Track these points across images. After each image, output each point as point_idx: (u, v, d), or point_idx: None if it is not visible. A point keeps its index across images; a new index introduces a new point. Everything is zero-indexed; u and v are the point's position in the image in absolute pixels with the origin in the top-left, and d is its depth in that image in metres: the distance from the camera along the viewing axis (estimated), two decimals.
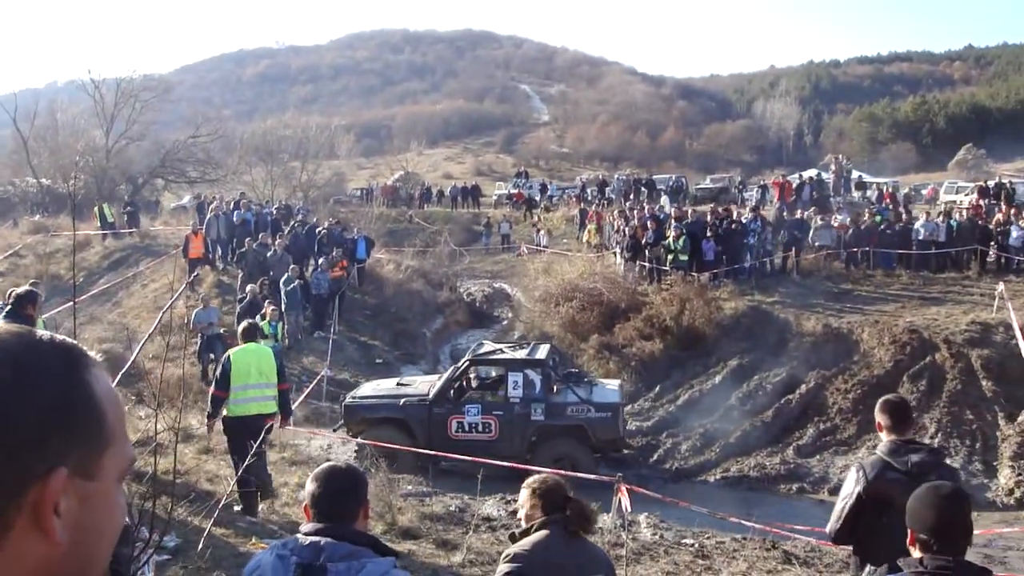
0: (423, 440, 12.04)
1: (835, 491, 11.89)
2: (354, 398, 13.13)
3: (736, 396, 15.75)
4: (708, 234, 20.82)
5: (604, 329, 18.69)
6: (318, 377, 15.87)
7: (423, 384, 13.32)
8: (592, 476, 9.64)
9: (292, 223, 23.18)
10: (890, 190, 30.72)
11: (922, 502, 3.03)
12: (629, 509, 7.97)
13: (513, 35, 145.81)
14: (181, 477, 8.95)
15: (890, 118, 75.07)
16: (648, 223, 22.14)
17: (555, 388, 12.56)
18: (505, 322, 22.97)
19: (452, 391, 12.65)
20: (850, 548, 4.85)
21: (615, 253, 23.68)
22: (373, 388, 13.70)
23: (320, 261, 20.14)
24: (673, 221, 21.79)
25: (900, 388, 15.11)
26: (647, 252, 21.26)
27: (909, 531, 3.02)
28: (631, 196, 34.94)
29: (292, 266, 18.84)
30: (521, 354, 12.99)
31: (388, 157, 66.69)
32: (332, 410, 16.12)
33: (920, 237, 20.73)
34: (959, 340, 15.99)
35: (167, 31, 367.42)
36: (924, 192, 35.87)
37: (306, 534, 2.92)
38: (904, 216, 22.62)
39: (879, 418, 4.73)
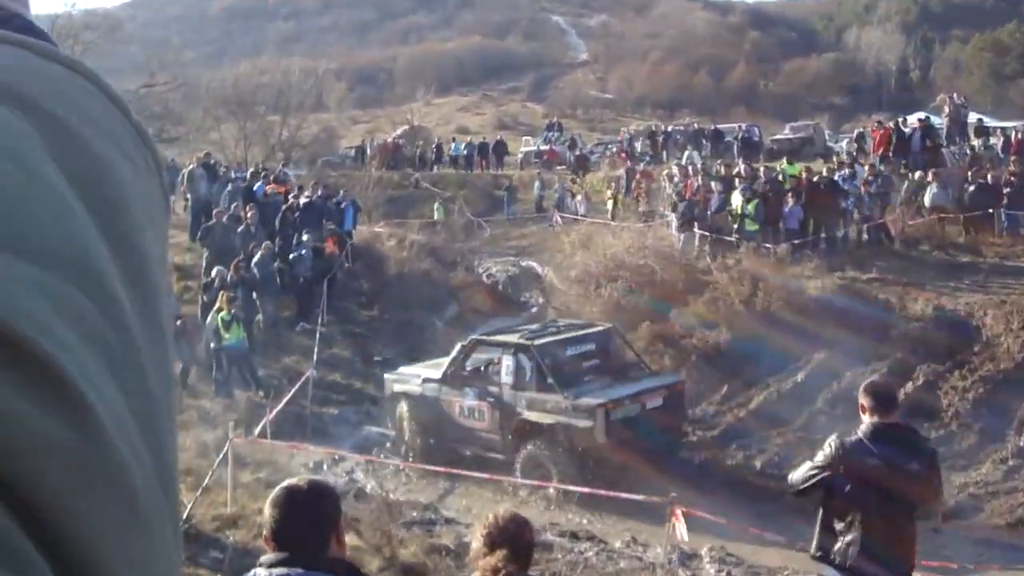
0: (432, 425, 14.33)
1: (950, 517, 11.73)
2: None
3: (824, 398, 15.57)
4: (790, 197, 20.60)
5: (657, 315, 18.58)
6: (302, 379, 15.90)
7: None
8: (639, 497, 9.56)
9: (258, 185, 23.21)
10: (1020, 136, 30.13)
11: None
12: (686, 539, 7.87)
13: None
14: None
15: (1020, 45, 73.81)
16: (712, 184, 22.03)
17: (552, 380, 13.16)
18: (535, 309, 22.87)
19: (453, 370, 14.31)
20: None
21: (669, 222, 23.51)
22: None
23: (304, 237, 20.10)
24: (738, 182, 21.66)
25: None
26: (709, 220, 21.14)
27: None
28: (691, 151, 34.67)
29: (266, 243, 18.84)
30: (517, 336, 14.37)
31: (389, 109, 66.79)
32: (318, 419, 16.16)
33: None
34: None
35: None
36: None
37: (269, 566, 2.85)
38: None
39: (862, 400, 5.82)
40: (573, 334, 14.78)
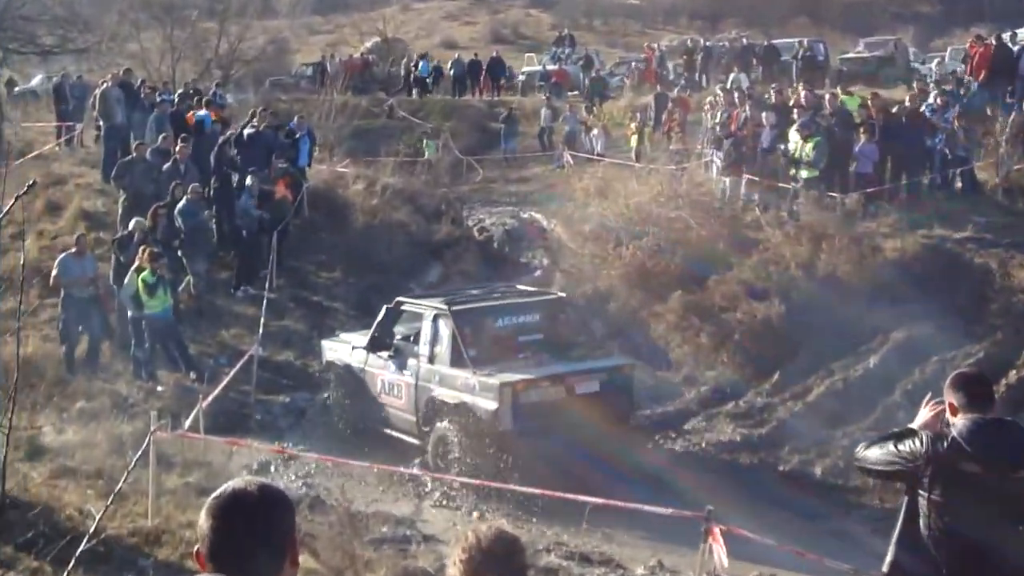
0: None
1: None
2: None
3: (903, 389, 15.57)
4: (863, 133, 20.50)
5: (692, 282, 18.57)
6: (244, 358, 15.90)
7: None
8: (666, 510, 9.58)
9: (203, 114, 23.09)
10: None
11: None
12: (726, 564, 7.90)
13: None
14: (27, 510, 9.02)
15: None
16: (764, 116, 21.93)
17: (466, 352, 13.62)
18: (538, 272, 22.85)
19: (377, 337, 15.10)
20: None
21: (709, 163, 23.44)
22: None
23: (248, 180, 19.96)
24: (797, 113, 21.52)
25: None
26: (759, 160, 21.06)
27: None
28: (738, 73, 34.51)
29: (192, 186, 18.71)
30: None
31: (355, 16, 66.30)
32: (265, 408, 16.16)
33: None
34: None
35: None
36: None
37: None
38: None
39: (950, 397, 5.71)
40: (509, 301, 15.39)
